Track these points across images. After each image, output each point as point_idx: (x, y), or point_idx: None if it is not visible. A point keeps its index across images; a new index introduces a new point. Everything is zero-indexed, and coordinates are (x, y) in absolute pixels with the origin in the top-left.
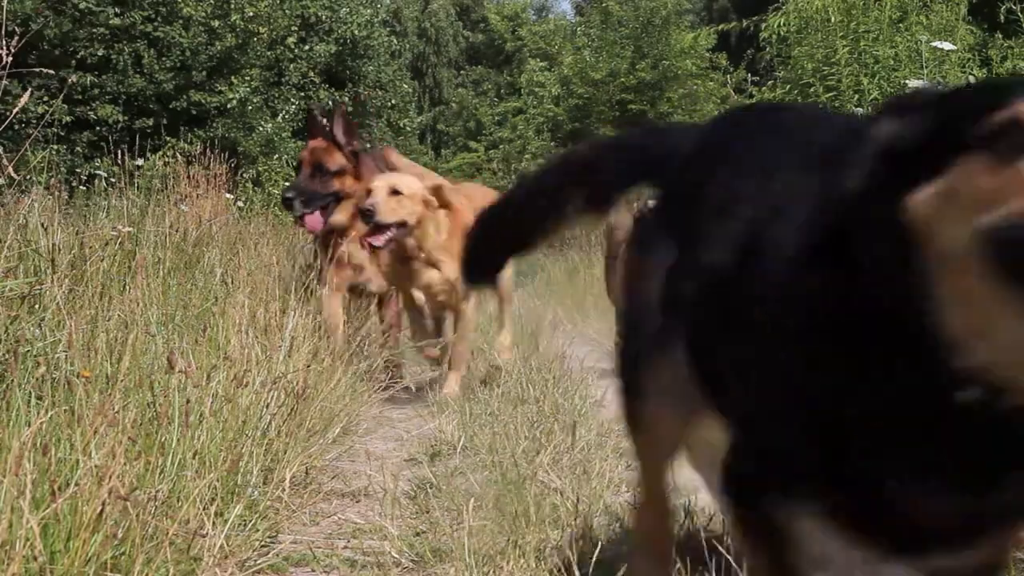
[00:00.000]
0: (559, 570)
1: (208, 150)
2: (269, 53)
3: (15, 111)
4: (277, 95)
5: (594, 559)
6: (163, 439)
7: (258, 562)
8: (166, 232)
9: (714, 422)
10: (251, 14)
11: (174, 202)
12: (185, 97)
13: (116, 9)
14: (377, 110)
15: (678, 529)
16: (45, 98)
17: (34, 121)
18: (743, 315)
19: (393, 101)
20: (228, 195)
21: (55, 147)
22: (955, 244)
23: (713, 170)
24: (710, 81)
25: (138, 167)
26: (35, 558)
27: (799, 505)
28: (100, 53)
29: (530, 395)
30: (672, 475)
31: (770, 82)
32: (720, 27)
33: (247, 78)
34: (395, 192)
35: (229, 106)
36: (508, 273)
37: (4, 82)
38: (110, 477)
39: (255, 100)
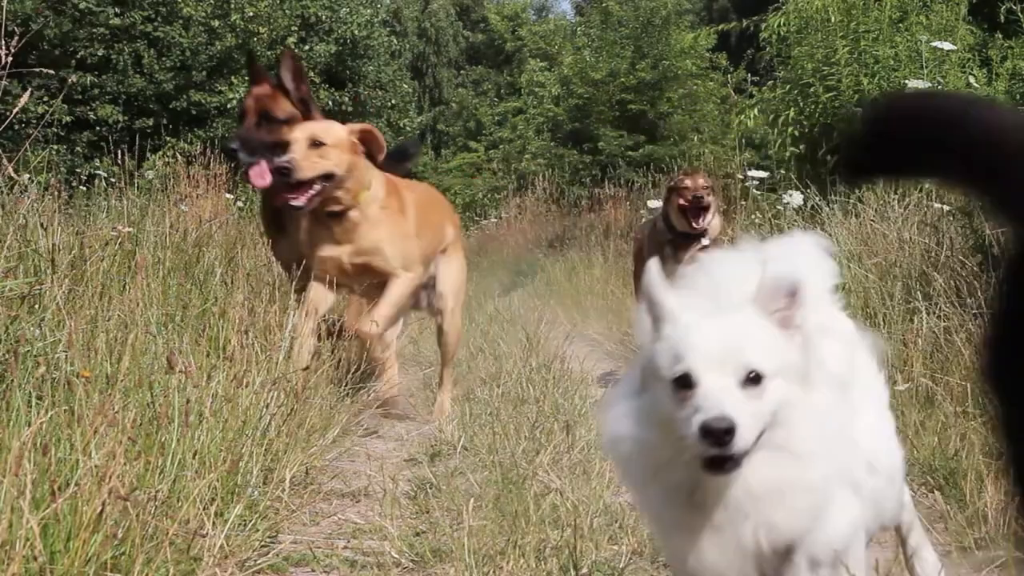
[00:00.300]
0: (559, 570)
1: (208, 150)
2: (269, 53)
3: (15, 111)
4: None
5: (594, 559)
6: (163, 439)
7: (258, 562)
8: (166, 232)
9: None
10: (251, 14)
11: (174, 202)
12: (185, 97)
13: (116, 9)
14: (377, 110)
15: None
16: (45, 98)
17: (34, 121)
18: None
19: (393, 101)
20: (228, 195)
21: (55, 147)
22: None
23: None
24: (710, 81)
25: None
26: (35, 558)
27: None
28: (100, 53)
29: (530, 395)
30: None
31: (770, 82)
32: (720, 27)
33: (247, 78)
34: (317, 143)
35: (229, 106)
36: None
37: (4, 82)
38: (110, 477)
39: None
